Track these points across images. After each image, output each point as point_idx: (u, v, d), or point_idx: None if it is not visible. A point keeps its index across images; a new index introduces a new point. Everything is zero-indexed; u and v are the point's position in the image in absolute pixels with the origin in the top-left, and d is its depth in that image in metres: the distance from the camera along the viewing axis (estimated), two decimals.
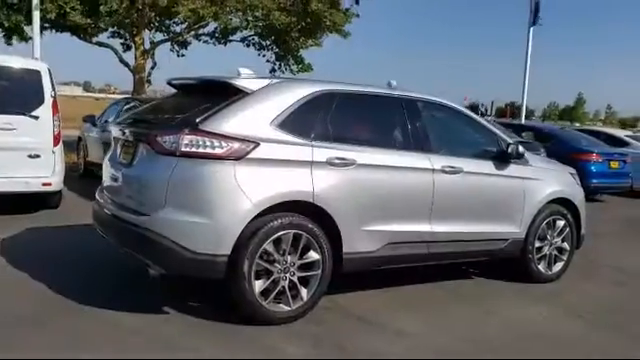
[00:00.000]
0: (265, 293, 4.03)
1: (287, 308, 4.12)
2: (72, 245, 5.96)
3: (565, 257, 5.80)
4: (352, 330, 4.17)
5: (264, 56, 19.74)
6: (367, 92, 4.75)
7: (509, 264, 5.65)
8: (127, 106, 9.86)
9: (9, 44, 15.93)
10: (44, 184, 7.01)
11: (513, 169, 5.30)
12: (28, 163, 6.88)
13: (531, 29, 19.47)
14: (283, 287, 4.08)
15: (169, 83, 4.96)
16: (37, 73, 7.01)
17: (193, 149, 3.84)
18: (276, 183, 4.02)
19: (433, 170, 4.74)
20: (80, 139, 11.18)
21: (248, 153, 3.91)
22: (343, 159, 4.29)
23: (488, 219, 5.18)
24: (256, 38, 18.50)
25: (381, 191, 4.49)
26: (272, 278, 4.05)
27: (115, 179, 4.46)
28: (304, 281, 4.19)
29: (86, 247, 5.75)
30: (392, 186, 4.55)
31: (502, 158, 5.24)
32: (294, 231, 4.08)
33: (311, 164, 4.15)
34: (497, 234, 5.26)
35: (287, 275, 4.10)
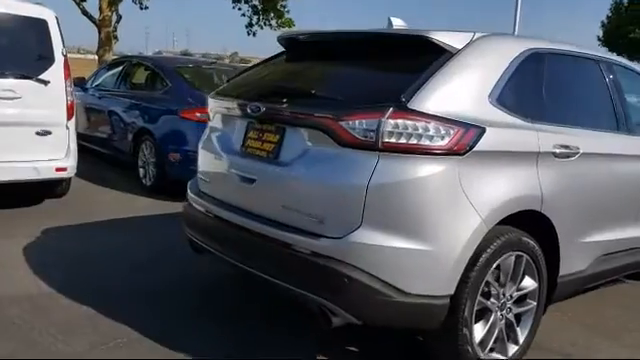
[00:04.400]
0: (483, 341, 2.85)
1: (502, 357, 2.96)
2: (128, 254, 4.43)
3: None
4: None
5: (239, 9, 18.08)
6: (573, 52, 3.52)
7: None
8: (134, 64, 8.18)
9: None
10: (58, 169, 5.41)
11: None
12: (37, 142, 5.27)
13: None
14: (501, 330, 2.92)
15: (287, 38, 3.53)
16: (43, 23, 5.33)
17: (402, 140, 2.52)
18: (505, 187, 2.78)
19: None
20: None
21: (475, 144, 2.64)
22: (567, 147, 3.09)
23: None
24: None
25: (601, 189, 3.36)
26: (491, 320, 2.86)
27: (243, 178, 3.03)
28: (517, 318, 3.03)
29: (151, 258, 4.34)
30: (612, 181, 3.44)
31: None
32: (516, 253, 2.89)
33: (537, 156, 2.94)
34: None
35: (504, 313, 2.93)
